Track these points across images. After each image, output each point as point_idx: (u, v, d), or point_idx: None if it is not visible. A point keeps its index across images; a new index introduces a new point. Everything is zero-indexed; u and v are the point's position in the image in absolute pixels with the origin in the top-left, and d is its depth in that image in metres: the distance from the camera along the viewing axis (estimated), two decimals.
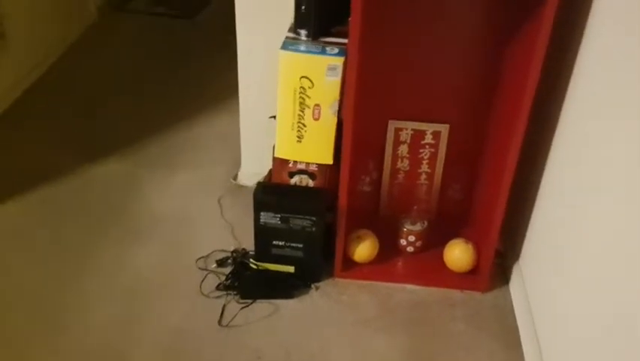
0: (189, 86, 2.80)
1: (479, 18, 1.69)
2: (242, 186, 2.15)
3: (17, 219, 2.02)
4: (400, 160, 1.94)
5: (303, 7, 1.54)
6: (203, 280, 1.78)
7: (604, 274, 1.22)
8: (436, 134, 1.88)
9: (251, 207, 1.73)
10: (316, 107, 1.58)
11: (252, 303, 1.72)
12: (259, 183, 1.73)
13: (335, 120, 1.60)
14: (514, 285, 1.81)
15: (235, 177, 2.20)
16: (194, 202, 2.10)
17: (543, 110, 1.65)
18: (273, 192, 1.71)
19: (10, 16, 2.54)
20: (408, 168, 1.95)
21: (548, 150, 1.62)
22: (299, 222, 1.68)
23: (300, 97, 1.56)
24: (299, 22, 1.57)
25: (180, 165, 2.28)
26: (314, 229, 1.69)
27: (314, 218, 1.67)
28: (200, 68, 2.93)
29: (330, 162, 1.66)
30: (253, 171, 2.07)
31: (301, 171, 1.70)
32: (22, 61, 2.68)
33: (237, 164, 2.21)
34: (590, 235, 1.31)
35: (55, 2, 2.96)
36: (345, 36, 1.51)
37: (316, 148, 1.64)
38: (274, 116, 1.69)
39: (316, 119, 1.59)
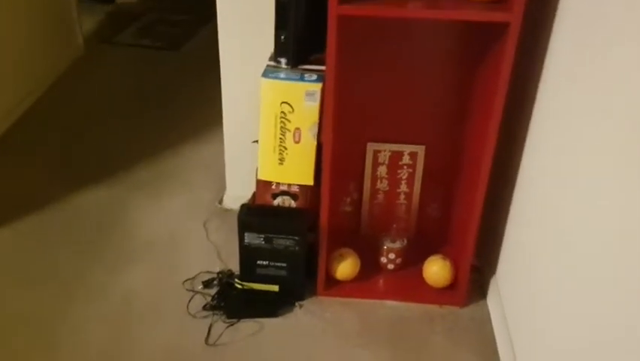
0: (175, 115, 2.88)
1: (450, 46, 1.78)
2: (227, 210, 2.22)
3: (10, 244, 2.06)
4: (379, 181, 2.01)
5: (283, 37, 1.62)
6: (190, 301, 1.83)
7: (576, 287, 1.27)
8: (413, 155, 1.96)
9: (236, 230, 1.79)
10: (296, 130, 1.65)
11: (237, 322, 1.77)
12: (243, 205, 1.79)
13: (315, 143, 1.67)
14: (491, 299, 1.87)
15: (220, 201, 2.26)
16: (181, 226, 2.16)
17: (512, 129, 1.74)
18: (256, 214, 1.77)
19: (0, 48, 2.61)
20: (387, 188, 2.02)
21: (518, 168, 1.71)
22: (282, 241, 1.74)
23: (281, 121, 1.64)
24: (279, 51, 1.65)
25: (167, 191, 2.34)
26: (297, 248, 1.75)
27: (296, 238, 1.73)
28: (186, 98, 3.01)
29: (311, 182, 1.73)
30: (238, 194, 2.14)
31: (283, 193, 1.77)
32: (12, 91, 2.75)
33: (223, 188, 2.28)
34: (562, 249, 1.37)
35: (44, 35, 3.04)
36: (322, 63, 1.59)
37: (297, 170, 1.71)
38: (257, 141, 1.76)
39: (297, 142, 1.67)
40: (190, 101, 2.97)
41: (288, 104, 1.62)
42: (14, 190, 2.33)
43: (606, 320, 1.10)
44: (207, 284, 1.88)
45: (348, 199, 2.05)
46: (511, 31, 1.45)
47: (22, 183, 2.37)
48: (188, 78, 3.21)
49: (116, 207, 2.25)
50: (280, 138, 1.67)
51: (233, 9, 1.91)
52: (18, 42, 2.80)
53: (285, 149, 1.68)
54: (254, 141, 1.80)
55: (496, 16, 1.46)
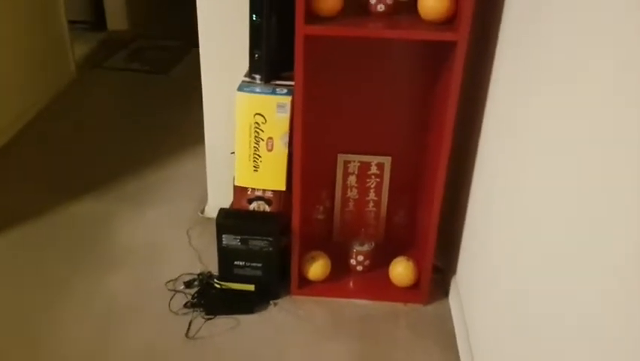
0: (161, 133, 3.04)
1: (410, 63, 1.96)
2: (209, 219, 2.36)
3: (2, 252, 2.19)
4: (349, 190, 2.17)
5: (257, 55, 1.80)
6: (171, 299, 1.97)
7: (526, 285, 1.36)
8: (380, 166, 2.13)
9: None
10: (269, 139, 1.82)
11: (215, 318, 1.90)
12: (221, 209, 1.94)
13: (286, 151, 1.83)
14: (452, 297, 2.02)
15: (202, 211, 2.41)
16: (164, 234, 2.30)
17: (466, 140, 1.90)
18: (233, 217, 1.92)
19: None
20: (357, 197, 2.18)
21: (472, 175, 1.87)
22: (257, 243, 1.89)
23: (255, 131, 1.81)
24: (253, 68, 1.82)
25: (152, 202, 2.48)
26: (271, 249, 1.90)
27: (270, 239, 1.88)
28: (172, 117, 3.18)
29: (283, 188, 1.89)
30: (219, 204, 2.27)
31: (258, 198, 1.92)
32: (9, 111, 2.90)
33: (205, 199, 2.43)
34: (513, 250, 1.48)
35: (39, 60, 3.21)
36: (292, 79, 1.76)
37: (270, 176, 1.87)
38: (234, 152, 1.92)
39: (270, 151, 1.83)
40: (175, 120, 3.14)
41: (261, 115, 1.78)
42: (8, 202, 2.47)
43: (555, 315, 1.17)
44: (188, 284, 2.02)
45: (321, 207, 2.20)
46: (459, 49, 1.63)
47: (15, 195, 2.51)
48: (175, 100, 3.38)
49: (103, 217, 2.39)
50: (255, 147, 1.83)
51: (213, 33, 2.09)
52: (15, 66, 2.97)
53: (259, 157, 1.84)
54: (232, 152, 1.96)
55: (445, 36, 1.64)
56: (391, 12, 1.71)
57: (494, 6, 1.69)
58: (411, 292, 2.03)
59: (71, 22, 3.63)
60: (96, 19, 4.38)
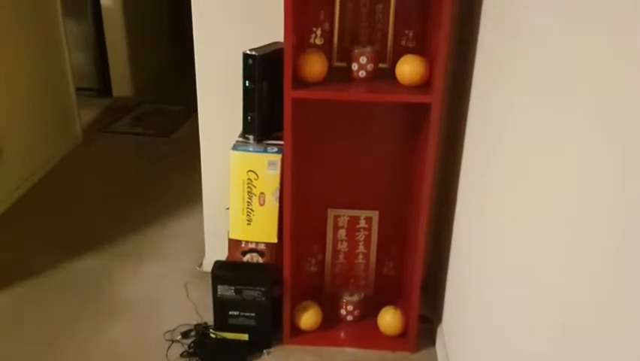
0: (161, 191, 3.18)
1: (392, 123, 2.11)
2: (206, 273, 2.46)
3: (6, 306, 2.29)
4: (339, 243, 2.28)
5: (249, 118, 1.95)
6: (168, 349, 2.05)
7: (504, 334, 1.43)
8: (368, 220, 2.25)
9: None
10: (261, 195, 1.95)
11: None
12: (216, 262, 2.05)
13: (277, 205, 1.96)
14: (439, 345, 2.10)
15: (200, 265, 2.52)
16: (163, 287, 2.41)
17: (445, 196, 2.03)
18: (228, 268, 2.03)
19: (6, 135, 2.94)
20: (347, 250, 2.29)
21: (452, 230, 1.99)
22: (250, 293, 1.99)
23: (248, 187, 1.94)
24: (246, 129, 1.97)
25: (151, 258, 2.60)
26: (263, 298, 2.00)
27: (263, 289, 1.98)
28: (171, 177, 3.33)
29: (275, 240, 2.00)
30: (216, 258, 2.38)
31: (252, 250, 2.04)
32: (16, 174, 3.05)
33: (202, 254, 2.54)
34: (491, 300, 1.56)
35: (46, 125, 3.39)
36: (282, 138, 1.90)
37: (263, 229, 1.99)
38: (229, 208, 2.05)
39: (262, 205, 1.96)
40: (175, 180, 3.29)
41: (254, 172, 1.92)
42: (15, 258, 2.58)
43: (537, 357, 1.23)
44: (185, 335, 2.11)
45: (313, 260, 2.31)
46: (434, 109, 1.78)
47: (22, 252, 2.63)
48: (175, 161, 3.54)
49: (103, 272, 2.49)
50: (248, 202, 1.96)
51: (210, 98, 2.25)
52: (24, 130, 3.15)
53: (252, 211, 1.97)
54: (227, 208, 2.09)
55: (421, 98, 1.80)
56: (372, 77, 1.88)
57: (465, 70, 1.85)
58: (399, 341, 2.11)
59: (79, 89, 3.84)
60: (102, 86, 4.61)
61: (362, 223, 2.25)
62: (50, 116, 3.45)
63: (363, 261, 2.30)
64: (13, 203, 2.99)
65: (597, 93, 0.94)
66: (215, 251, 2.44)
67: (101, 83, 4.61)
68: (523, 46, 1.33)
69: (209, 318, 2.15)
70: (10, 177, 3.00)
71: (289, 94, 1.78)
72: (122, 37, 4.50)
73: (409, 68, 1.81)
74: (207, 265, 2.49)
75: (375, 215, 2.25)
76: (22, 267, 2.50)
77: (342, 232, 2.27)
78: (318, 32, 1.99)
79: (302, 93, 1.79)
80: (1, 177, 2.92)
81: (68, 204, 3.07)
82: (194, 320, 2.18)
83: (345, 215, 2.25)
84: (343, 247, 2.29)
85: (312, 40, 1.99)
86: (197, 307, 2.26)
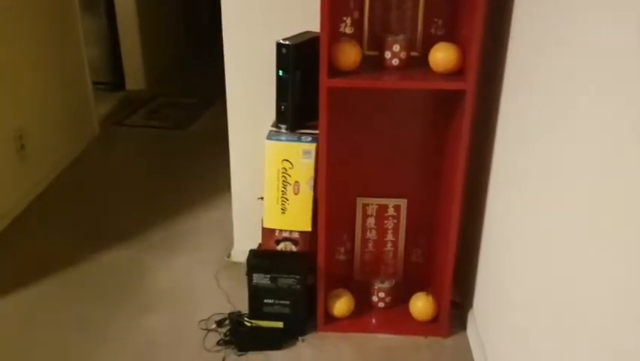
0: (184, 184, 3.20)
1: (424, 111, 2.12)
2: (235, 263, 2.49)
3: (42, 299, 2.31)
4: (368, 231, 2.30)
5: (283, 107, 1.97)
6: (205, 338, 2.08)
7: (536, 314, 1.47)
8: (397, 208, 2.27)
9: (243, 279, 2.07)
10: (296, 183, 1.97)
11: (247, 354, 2.01)
12: (251, 250, 2.07)
13: (311, 194, 1.98)
14: (470, 330, 2.13)
15: (229, 256, 2.54)
16: (194, 278, 2.43)
17: (477, 181, 2.05)
18: (263, 257, 2.05)
19: (27, 130, 2.96)
20: (376, 238, 2.31)
21: (484, 215, 2.01)
22: (285, 281, 2.01)
23: (283, 176, 1.96)
24: (279, 119, 1.99)
25: (180, 249, 2.62)
26: (298, 286, 2.02)
27: (298, 276, 2.01)
28: (193, 171, 3.35)
29: (309, 229, 2.02)
30: (245, 248, 2.38)
31: (286, 239, 2.06)
32: (38, 168, 3.07)
33: (230, 246, 2.56)
34: (522, 283, 1.61)
35: (63, 118, 3.40)
36: (316, 128, 1.92)
37: (297, 218, 2.01)
38: (262, 198, 2.07)
39: (296, 194, 1.98)
40: (197, 172, 3.31)
41: (289, 161, 1.94)
42: (44, 253, 2.60)
43: (567, 340, 1.26)
44: (220, 323, 2.13)
45: (342, 249, 2.33)
46: (467, 96, 1.79)
47: (50, 247, 2.65)
48: (194, 154, 3.56)
49: (133, 264, 2.51)
50: (282, 191, 1.97)
51: (238, 88, 2.27)
52: (44, 125, 3.16)
53: (287, 200, 1.99)
54: (259, 198, 2.11)
55: (455, 85, 1.81)
56: (405, 66, 1.89)
57: (498, 58, 1.86)
58: (431, 326, 2.13)
59: (93, 83, 3.84)
60: (115, 80, 4.61)
61: (391, 211, 2.27)
62: (68, 111, 3.47)
63: (392, 249, 2.32)
64: (35, 197, 3.01)
65: None
66: (244, 241, 2.46)
67: (114, 77, 4.61)
68: (564, 33, 1.34)
69: (241, 307, 2.18)
70: (32, 171, 3.01)
71: (325, 83, 1.79)
72: (135, 32, 4.50)
73: (442, 56, 1.82)
74: (236, 256, 2.51)
75: (403, 203, 2.26)
76: (51, 260, 2.52)
77: (370, 221, 2.29)
78: (348, 21, 2.00)
79: (337, 82, 1.80)
80: (23, 171, 2.94)
81: (91, 197, 3.09)
82: (227, 309, 2.20)
83: (373, 203, 2.27)
84: (372, 235, 2.31)
85: (342, 30, 2.00)
86: (229, 296, 2.28)
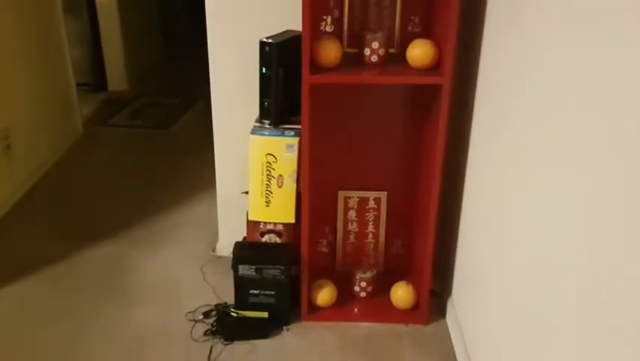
0: (168, 181, 3.25)
1: (402, 107, 2.20)
2: (220, 257, 2.55)
3: (31, 294, 2.35)
4: (350, 223, 2.37)
5: (266, 103, 2.03)
6: (192, 329, 2.13)
7: (512, 301, 1.53)
8: (377, 200, 2.34)
9: (229, 272, 2.13)
10: (280, 177, 2.03)
11: (233, 344, 2.07)
12: (237, 242, 2.13)
13: (294, 187, 2.05)
14: (450, 317, 2.20)
15: (214, 250, 2.59)
16: (180, 271, 2.48)
17: (454, 176, 2.13)
18: (248, 248, 2.11)
19: (14, 131, 2.98)
20: (357, 230, 2.38)
21: (461, 204, 2.09)
22: (270, 271, 2.08)
23: (267, 170, 2.02)
24: (263, 115, 2.05)
25: (165, 244, 2.67)
26: (283, 277, 2.08)
27: (282, 267, 2.07)
28: (175, 167, 3.40)
29: (293, 221, 2.09)
30: (229, 242, 2.44)
31: (270, 231, 2.12)
32: (24, 167, 3.10)
33: (215, 240, 2.62)
34: (498, 271, 1.68)
35: (48, 119, 3.43)
36: (299, 123, 1.99)
37: (281, 210, 2.07)
38: (246, 192, 2.13)
39: (280, 187, 2.04)
40: (180, 170, 3.36)
41: (272, 155, 2.00)
42: (31, 249, 2.64)
43: (542, 325, 1.31)
44: (207, 315, 2.18)
45: (325, 241, 2.40)
46: (444, 90, 1.87)
47: (37, 244, 2.68)
48: (177, 153, 3.61)
49: (119, 259, 2.56)
50: (266, 184, 2.04)
51: (222, 86, 2.32)
52: (30, 126, 3.19)
53: (271, 193, 2.05)
54: (243, 192, 2.17)
55: (431, 80, 1.89)
56: (383, 62, 1.96)
57: (473, 53, 1.94)
58: (411, 314, 2.21)
59: (76, 85, 3.87)
60: (98, 81, 4.64)
61: (371, 204, 2.35)
62: (53, 111, 3.50)
63: (373, 240, 2.39)
64: (22, 196, 3.04)
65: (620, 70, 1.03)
66: (228, 235, 2.52)
67: (97, 78, 4.64)
68: (534, 27, 1.42)
69: (227, 299, 2.23)
70: (18, 170, 3.04)
71: (307, 79, 1.86)
72: (116, 33, 4.53)
73: (419, 52, 1.90)
74: (221, 250, 2.57)
75: (383, 196, 2.34)
76: (39, 256, 2.55)
77: (352, 213, 2.36)
78: (329, 20, 2.07)
79: (319, 78, 1.87)
80: (10, 170, 2.96)
81: (77, 195, 3.13)
82: (213, 301, 2.25)
83: (355, 196, 2.34)
84: (353, 227, 2.38)
85: (323, 28, 2.07)
86: (214, 289, 2.34)
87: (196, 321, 2.17)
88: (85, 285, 2.40)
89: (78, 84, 4.05)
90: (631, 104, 0.95)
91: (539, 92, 1.39)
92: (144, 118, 4.16)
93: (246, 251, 2.09)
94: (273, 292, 2.11)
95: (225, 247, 2.53)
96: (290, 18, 2.07)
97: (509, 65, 1.62)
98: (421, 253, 2.19)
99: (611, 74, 1.03)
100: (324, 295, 2.20)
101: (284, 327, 2.15)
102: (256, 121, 2.08)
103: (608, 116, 1.03)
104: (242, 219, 2.19)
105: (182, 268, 2.50)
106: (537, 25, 1.41)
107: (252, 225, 2.12)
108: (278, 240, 2.13)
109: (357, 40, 2.02)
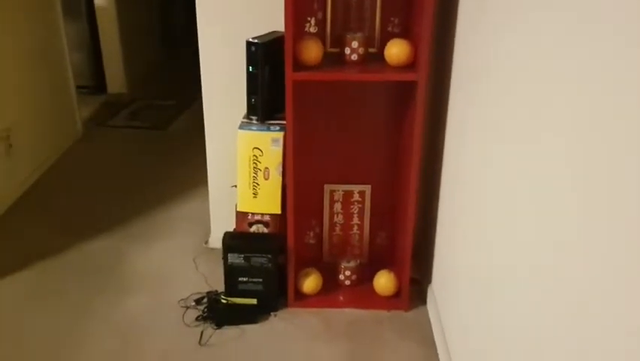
0: (164, 179, 3.37)
1: (383, 102, 2.31)
2: (213, 249, 2.66)
3: (30, 284, 2.46)
4: (335, 216, 2.49)
5: (253, 100, 2.15)
6: (184, 314, 2.24)
7: (490, 288, 1.58)
8: (362, 193, 2.45)
9: (221, 263, 2.24)
10: (266, 169, 2.15)
11: (223, 328, 2.18)
12: (226, 232, 2.24)
13: (280, 179, 2.16)
14: (430, 303, 2.31)
15: (206, 242, 2.71)
16: (173, 263, 2.59)
17: (432, 169, 2.24)
18: (237, 238, 2.23)
19: (15, 130, 3.11)
20: (343, 222, 2.49)
21: (439, 195, 2.20)
22: (258, 260, 2.19)
23: (254, 163, 2.14)
24: (250, 111, 2.17)
25: (159, 237, 2.78)
26: (270, 265, 2.19)
27: (269, 256, 2.18)
28: (172, 165, 3.52)
29: (279, 211, 2.20)
30: (221, 235, 2.56)
31: (258, 222, 2.23)
32: (25, 166, 3.22)
33: (208, 232, 2.73)
34: (477, 261, 1.73)
35: (49, 119, 3.55)
36: (283, 119, 2.10)
37: (268, 201, 2.19)
38: (236, 185, 2.24)
39: (266, 179, 2.16)
40: (176, 168, 3.48)
41: (259, 149, 2.12)
42: (30, 243, 2.75)
43: (515, 308, 1.34)
44: (198, 301, 2.30)
45: (312, 233, 2.51)
46: (419, 87, 1.99)
47: (36, 237, 2.80)
48: (173, 152, 3.73)
49: (114, 252, 2.67)
50: (254, 176, 2.15)
51: (213, 86, 2.44)
52: (31, 126, 3.31)
53: (258, 185, 2.16)
54: (233, 186, 2.28)
55: (408, 76, 2.00)
56: (363, 60, 2.08)
57: (447, 51, 2.06)
58: (393, 301, 2.32)
59: (75, 87, 3.99)
60: (97, 84, 4.77)
61: (356, 197, 2.46)
62: (53, 112, 3.62)
63: (358, 232, 2.51)
64: (22, 194, 3.16)
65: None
66: (221, 227, 2.59)
67: (96, 81, 4.76)
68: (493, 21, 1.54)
69: (218, 287, 2.34)
70: (19, 169, 3.16)
71: (290, 76, 1.97)
72: (115, 37, 4.65)
73: (396, 50, 2.02)
74: (213, 242, 2.68)
75: (367, 189, 2.45)
76: (38, 252, 2.66)
77: (337, 206, 2.47)
78: (313, 21, 2.19)
79: (301, 75, 1.99)
80: (11, 168, 3.08)
81: (76, 192, 3.25)
82: (205, 290, 2.37)
83: (340, 190, 2.45)
84: (339, 219, 2.49)
85: (307, 29, 2.19)
86: (206, 278, 2.45)
87: (188, 307, 2.28)
88: (82, 275, 2.52)
89: (78, 87, 4.18)
90: (599, 88, 0.95)
91: (498, 80, 1.50)
92: (142, 119, 4.28)
93: (235, 241, 2.21)
94: (260, 280, 2.22)
95: (217, 239, 2.62)
96: (276, 20, 2.19)
97: (476, 59, 1.73)
98: (402, 243, 2.29)
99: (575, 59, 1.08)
100: (310, 282, 2.31)
101: (271, 313, 2.26)
102: (244, 117, 2.20)
103: (572, 102, 1.07)
104: (233, 213, 2.30)
105: (176, 259, 2.62)
106: (499, 13, 1.53)
107: (241, 216, 2.24)
108: (265, 230, 2.25)
109: (340, 41, 2.14)
